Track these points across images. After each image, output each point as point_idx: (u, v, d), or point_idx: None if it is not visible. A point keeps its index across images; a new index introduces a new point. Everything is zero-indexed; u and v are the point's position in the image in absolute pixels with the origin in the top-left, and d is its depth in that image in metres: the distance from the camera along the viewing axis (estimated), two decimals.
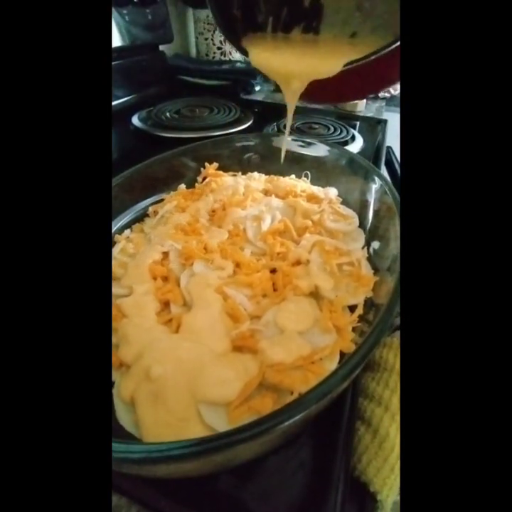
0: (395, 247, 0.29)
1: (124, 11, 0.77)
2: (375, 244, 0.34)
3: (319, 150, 0.43)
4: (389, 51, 0.25)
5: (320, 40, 0.34)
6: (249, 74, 0.94)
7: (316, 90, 0.30)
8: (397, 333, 0.37)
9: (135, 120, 0.70)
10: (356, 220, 0.37)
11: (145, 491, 0.22)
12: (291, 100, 0.33)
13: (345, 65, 0.27)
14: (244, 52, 0.34)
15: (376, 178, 0.35)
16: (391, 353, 0.33)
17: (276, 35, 0.36)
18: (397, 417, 0.28)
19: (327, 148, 0.42)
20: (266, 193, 0.42)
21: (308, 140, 0.44)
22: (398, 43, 0.24)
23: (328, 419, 0.24)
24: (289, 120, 0.36)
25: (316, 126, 0.68)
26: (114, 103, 0.79)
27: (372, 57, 0.25)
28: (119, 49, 0.78)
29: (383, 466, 0.26)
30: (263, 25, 0.36)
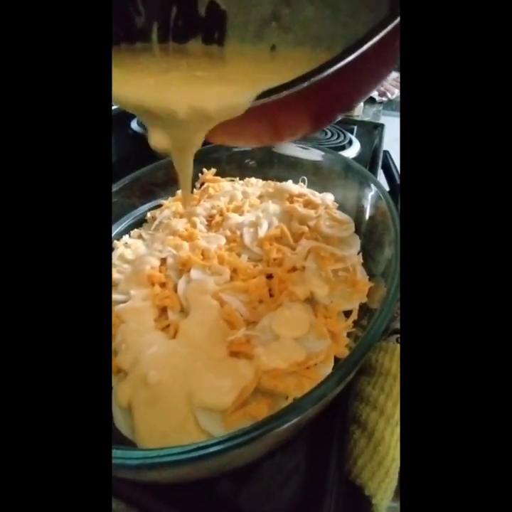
0: (389, 252, 0.29)
1: None
2: (371, 250, 0.34)
3: (314, 155, 0.43)
4: (325, 76, 0.16)
5: (228, 56, 0.25)
6: None
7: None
8: (393, 338, 0.37)
9: (134, 125, 0.70)
10: (352, 226, 0.37)
11: (142, 496, 0.22)
12: (179, 155, 0.21)
13: (257, 98, 0.17)
14: None
15: (371, 184, 0.36)
16: (387, 357, 0.33)
17: (167, 45, 0.25)
18: (392, 421, 0.28)
19: (322, 153, 0.43)
20: (260, 197, 0.43)
21: (301, 145, 0.45)
22: (341, 64, 0.16)
23: (323, 424, 0.25)
24: (183, 183, 0.24)
25: None
26: (113, 107, 0.80)
27: (305, 85, 0.16)
28: None
29: (378, 470, 0.26)
30: (144, 32, 0.24)
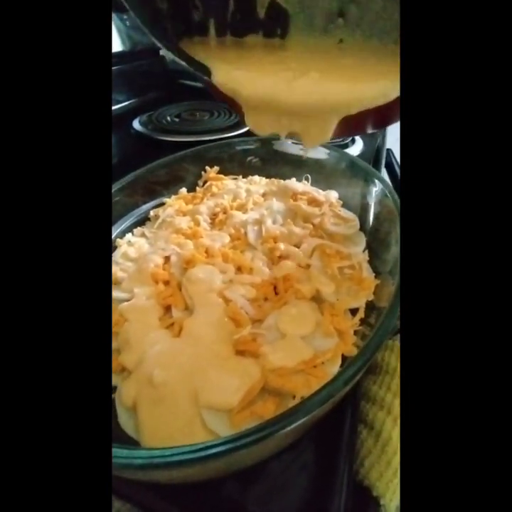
0: (395, 250, 0.29)
1: (125, 16, 0.78)
2: (377, 248, 0.34)
3: (319, 153, 0.43)
4: None
5: (290, 48, 0.25)
6: None
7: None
8: (399, 336, 0.37)
9: (136, 124, 0.70)
10: (357, 223, 0.37)
11: (148, 497, 0.22)
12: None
13: None
14: (201, 69, 0.22)
15: (376, 181, 0.35)
16: (393, 356, 0.33)
17: (224, 39, 0.25)
18: (400, 421, 0.28)
19: (326, 151, 0.42)
20: (264, 195, 0.42)
21: None
22: None
23: (330, 423, 0.24)
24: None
25: None
26: (114, 107, 0.80)
27: None
28: (119, 54, 0.78)
29: (386, 470, 0.26)
30: (202, 25, 0.24)
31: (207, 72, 0.22)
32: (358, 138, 0.66)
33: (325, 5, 0.23)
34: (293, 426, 0.17)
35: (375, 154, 0.64)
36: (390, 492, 0.25)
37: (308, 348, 0.24)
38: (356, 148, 0.63)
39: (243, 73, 0.22)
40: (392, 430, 0.27)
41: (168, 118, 0.72)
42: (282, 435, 0.17)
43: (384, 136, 0.71)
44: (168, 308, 0.29)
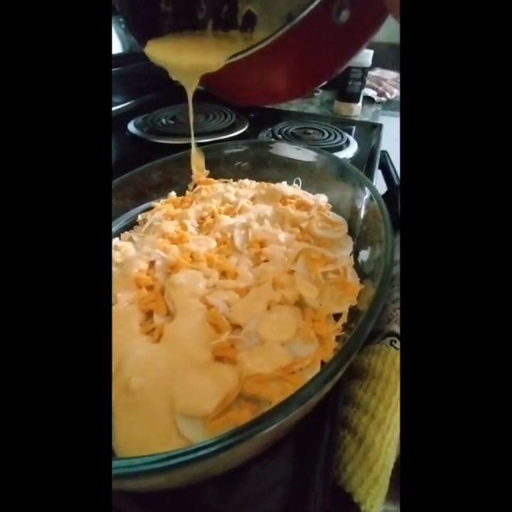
0: (378, 253, 0.29)
1: (121, 19, 0.78)
2: (364, 252, 0.34)
3: (308, 156, 0.43)
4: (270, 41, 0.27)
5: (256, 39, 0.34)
6: None
7: (218, 83, 0.36)
8: (387, 340, 0.37)
9: (131, 127, 0.70)
10: (345, 227, 0.37)
11: (125, 504, 0.22)
12: (189, 90, 0.40)
13: (228, 59, 0.30)
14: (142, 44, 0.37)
15: (364, 185, 0.35)
16: (379, 360, 0.33)
17: (217, 32, 0.41)
18: (383, 426, 0.28)
19: (315, 154, 0.42)
20: (253, 199, 0.42)
21: (295, 146, 0.44)
22: (269, 41, 0.26)
23: (310, 429, 0.24)
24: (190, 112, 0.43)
25: (311, 131, 0.68)
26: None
27: (249, 53, 0.28)
28: (116, 56, 0.78)
29: (367, 476, 0.26)
30: (203, 23, 0.41)
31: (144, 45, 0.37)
32: (352, 140, 0.66)
33: (279, 12, 0.38)
34: (266, 431, 0.17)
35: (369, 156, 0.64)
36: (370, 498, 0.25)
37: (287, 354, 0.24)
38: (351, 150, 0.63)
39: (158, 48, 0.37)
40: (375, 436, 0.27)
41: (164, 120, 0.72)
42: (256, 440, 0.17)
43: (379, 138, 0.71)
44: (150, 314, 0.29)
